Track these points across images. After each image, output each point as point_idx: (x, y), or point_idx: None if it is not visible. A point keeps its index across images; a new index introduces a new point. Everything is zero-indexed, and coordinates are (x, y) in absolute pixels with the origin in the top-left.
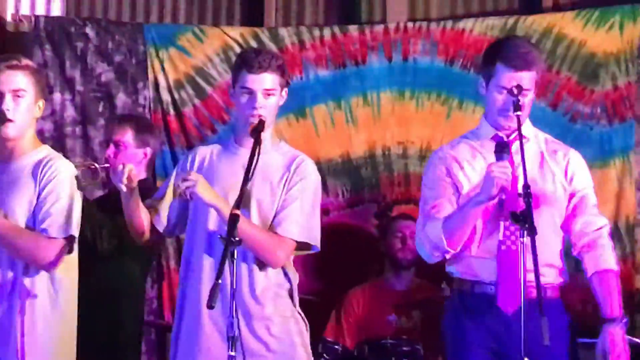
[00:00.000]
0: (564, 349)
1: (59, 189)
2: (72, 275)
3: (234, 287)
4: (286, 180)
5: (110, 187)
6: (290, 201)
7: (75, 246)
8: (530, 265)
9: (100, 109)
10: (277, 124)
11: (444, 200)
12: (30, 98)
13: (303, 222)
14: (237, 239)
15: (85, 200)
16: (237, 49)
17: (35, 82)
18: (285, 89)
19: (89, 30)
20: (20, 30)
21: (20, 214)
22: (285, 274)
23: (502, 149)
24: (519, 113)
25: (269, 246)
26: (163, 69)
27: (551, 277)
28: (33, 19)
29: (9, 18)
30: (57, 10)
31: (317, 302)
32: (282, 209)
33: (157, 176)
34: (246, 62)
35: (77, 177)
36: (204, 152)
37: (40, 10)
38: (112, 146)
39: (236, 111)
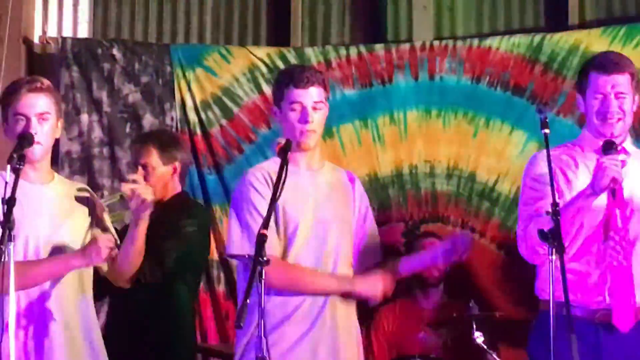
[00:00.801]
0: None
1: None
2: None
3: (262, 306)
4: (354, 206)
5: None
6: (372, 228)
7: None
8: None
9: (128, 129)
10: None
11: (549, 201)
12: (53, 120)
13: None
14: (265, 258)
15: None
16: (264, 69)
17: (55, 102)
18: (327, 103)
19: (115, 52)
20: (48, 52)
21: (77, 238)
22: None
23: (610, 146)
24: (546, 131)
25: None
26: (190, 89)
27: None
28: (60, 40)
29: (36, 40)
30: (84, 32)
31: None
32: (371, 240)
33: None
34: (293, 77)
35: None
36: (263, 175)
37: (68, 32)
38: (140, 169)
39: (284, 129)
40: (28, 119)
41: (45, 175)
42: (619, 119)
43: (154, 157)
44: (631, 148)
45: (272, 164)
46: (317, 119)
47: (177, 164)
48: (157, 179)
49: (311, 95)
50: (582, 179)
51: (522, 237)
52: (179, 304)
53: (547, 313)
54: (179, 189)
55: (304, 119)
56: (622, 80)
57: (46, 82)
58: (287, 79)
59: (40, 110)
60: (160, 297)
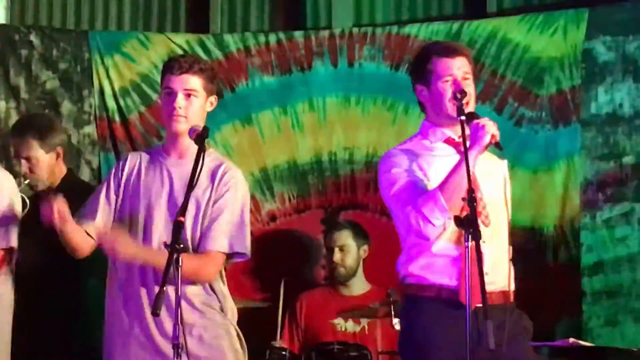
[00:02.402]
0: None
1: None
2: (6, 289)
3: (179, 294)
4: (211, 191)
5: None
6: (218, 213)
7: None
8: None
9: None
10: (222, 131)
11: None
12: None
13: (232, 233)
14: (181, 246)
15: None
16: None
17: None
18: (214, 97)
19: (33, 38)
20: None
21: None
22: (214, 292)
23: (473, 114)
24: (463, 117)
25: (195, 267)
26: (108, 76)
27: (504, 282)
28: None
29: None
30: (1, 17)
31: (266, 309)
32: (211, 223)
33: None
34: (168, 65)
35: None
36: (134, 161)
37: None
38: (24, 162)
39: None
40: None
41: None
42: (468, 102)
43: (34, 149)
44: None
45: (140, 154)
46: (188, 107)
47: (60, 149)
48: (43, 168)
49: (183, 82)
50: (434, 169)
51: (416, 214)
52: (90, 296)
53: (414, 298)
54: (64, 170)
55: (171, 104)
56: (465, 62)
57: None
58: (165, 67)
59: None
60: (70, 289)
